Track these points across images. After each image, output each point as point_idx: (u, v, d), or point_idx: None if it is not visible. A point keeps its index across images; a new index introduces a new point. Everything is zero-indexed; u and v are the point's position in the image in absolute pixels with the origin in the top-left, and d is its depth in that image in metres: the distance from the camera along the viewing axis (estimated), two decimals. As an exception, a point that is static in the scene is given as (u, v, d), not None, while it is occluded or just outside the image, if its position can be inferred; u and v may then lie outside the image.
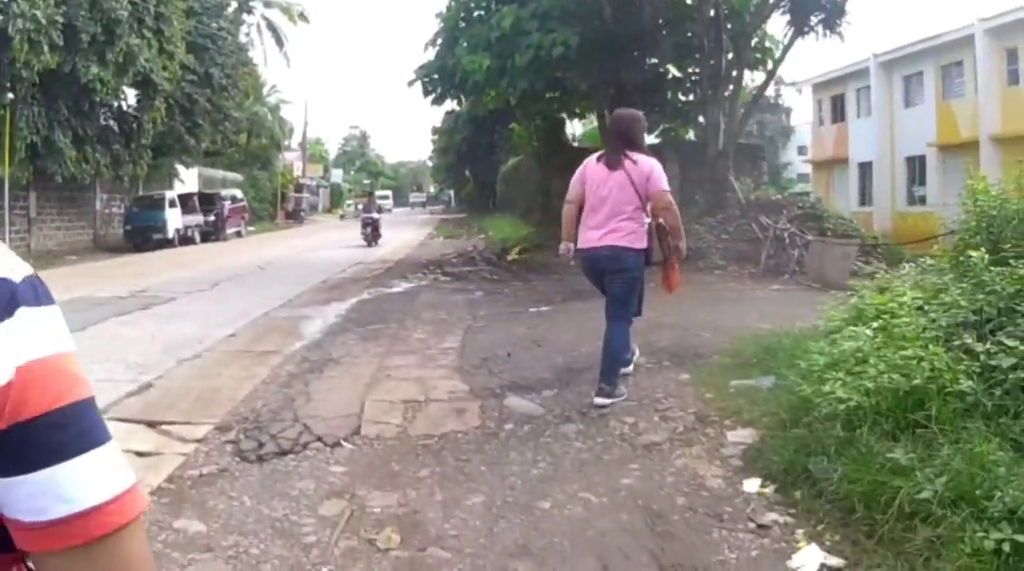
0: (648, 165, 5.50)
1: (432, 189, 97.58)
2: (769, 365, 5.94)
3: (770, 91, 20.53)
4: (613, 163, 5.53)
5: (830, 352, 5.27)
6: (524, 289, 12.87)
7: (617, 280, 5.51)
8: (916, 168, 26.93)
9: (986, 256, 5.40)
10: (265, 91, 48.39)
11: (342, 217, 47.75)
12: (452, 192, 78.02)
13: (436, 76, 18.29)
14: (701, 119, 20.30)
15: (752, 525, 3.69)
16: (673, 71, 20.65)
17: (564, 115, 24.06)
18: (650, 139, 24.30)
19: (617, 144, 5.66)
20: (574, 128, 29.07)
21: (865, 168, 29.79)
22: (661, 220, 5.65)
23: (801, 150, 53.70)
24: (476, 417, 5.20)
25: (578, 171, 5.82)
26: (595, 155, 5.84)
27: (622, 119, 5.97)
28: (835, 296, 11.15)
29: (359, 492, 4.01)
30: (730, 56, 18.37)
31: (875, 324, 5.26)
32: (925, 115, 25.92)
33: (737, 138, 19.40)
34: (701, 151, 19.06)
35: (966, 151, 23.43)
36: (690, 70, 20.33)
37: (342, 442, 4.78)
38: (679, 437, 4.81)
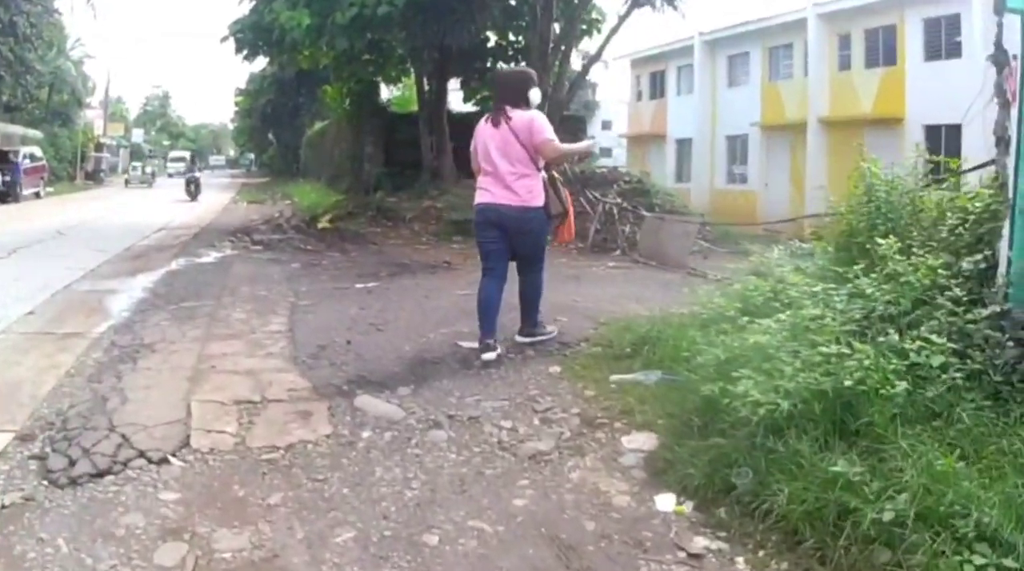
0: (528, 117, 5.93)
1: (232, 152, 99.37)
2: (650, 357, 5.64)
3: (576, 65, 20.83)
4: (496, 121, 6.00)
5: (728, 345, 5.02)
6: (344, 261, 12.48)
7: (526, 241, 6.06)
8: (737, 147, 28.19)
9: (896, 244, 5.32)
10: (69, 44, 47.48)
11: (127, 182, 45.05)
12: (253, 156, 78.96)
13: (251, 32, 18.06)
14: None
15: (682, 554, 3.29)
16: (497, 39, 21.02)
17: (379, 79, 23.90)
18: (468, 107, 24.36)
19: (499, 102, 6.13)
20: (389, 92, 28.98)
21: (683, 145, 30.94)
22: (555, 171, 6.16)
23: (605, 125, 56.13)
24: (326, 422, 4.52)
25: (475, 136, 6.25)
26: (485, 117, 6.28)
27: (506, 76, 6.91)
28: (682, 276, 11.72)
29: (200, 529, 3.28)
30: (559, 26, 18.82)
31: (782, 315, 5.06)
32: (750, 95, 27.11)
33: (563, 110, 19.65)
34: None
35: (791, 132, 24.73)
36: (513, 38, 20.79)
37: (170, 458, 4.01)
38: (567, 444, 4.36)
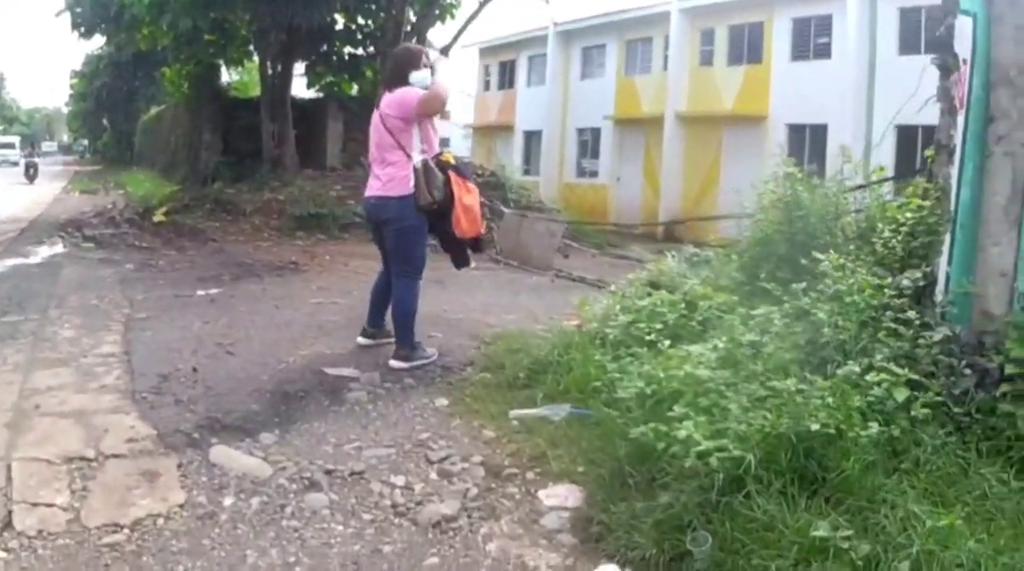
0: (397, 94, 5.74)
1: (66, 138, 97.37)
2: (553, 387, 5.14)
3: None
4: (376, 106, 5.91)
5: (651, 375, 4.58)
6: (182, 261, 11.73)
7: (388, 232, 5.88)
8: (589, 140, 28.32)
9: (838, 259, 5.04)
10: None
11: None
12: (87, 142, 77.30)
13: (88, 7, 17.88)
14: (370, 74, 21.30)
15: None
16: (344, 22, 21.02)
17: (221, 61, 23.09)
18: (311, 93, 23.78)
19: (382, 86, 6.10)
20: (231, 76, 28.29)
21: (532, 137, 30.90)
22: (443, 155, 5.91)
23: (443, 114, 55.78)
24: (177, 486, 3.73)
25: None
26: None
27: (391, 56, 6.56)
28: (550, 279, 11.44)
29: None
30: (415, 10, 19.03)
31: (717, 341, 4.66)
32: (604, 88, 27.24)
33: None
34: (370, 108, 18.62)
35: (646, 127, 24.96)
36: (362, 22, 20.95)
37: (-11, 549, 3.16)
38: (476, 505, 3.77)
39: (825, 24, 20.92)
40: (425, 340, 6.25)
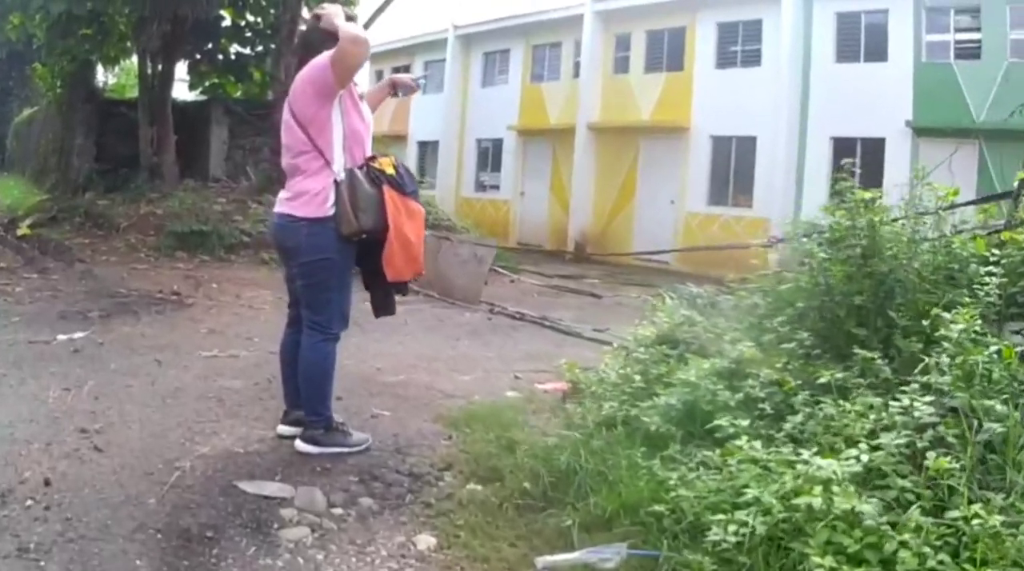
0: (306, 68, 4.30)
1: None
2: (585, 512, 3.55)
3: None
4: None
5: (762, 503, 3.03)
6: (44, 287, 9.83)
7: (294, 267, 4.45)
8: (490, 152, 26.83)
9: (967, 315, 3.57)
10: None
11: None
12: None
13: None
14: (258, 76, 20.25)
15: None
16: (232, 18, 19.81)
17: (97, 58, 20.87)
18: (194, 95, 21.77)
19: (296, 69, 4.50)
20: (107, 78, 26.33)
21: (427, 147, 29.34)
22: (378, 161, 4.43)
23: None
24: None
25: None
26: None
27: (301, 34, 5.33)
28: (482, 316, 9.89)
29: None
30: (309, 8, 16.87)
31: (856, 451, 3.11)
32: (507, 96, 25.75)
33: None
34: (260, 112, 18.51)
35: (553, 138, 23.65)
36: (252, 18, 19.68)
37: None
38: None
39: (754, 30, 19.78)
40: (367, 421, 4.82)
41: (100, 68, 23.49)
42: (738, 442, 3.43)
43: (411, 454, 4.43)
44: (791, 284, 5.66)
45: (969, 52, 16.98)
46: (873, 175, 17.83)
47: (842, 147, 18.08)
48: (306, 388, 4.44)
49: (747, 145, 19.58)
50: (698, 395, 4.20)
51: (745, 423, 3.69)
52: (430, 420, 5.06)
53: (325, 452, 4.35)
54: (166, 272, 11.88)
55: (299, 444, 4.41)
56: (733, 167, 20.00)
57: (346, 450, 4.40)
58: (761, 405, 4.03)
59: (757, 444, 3.50)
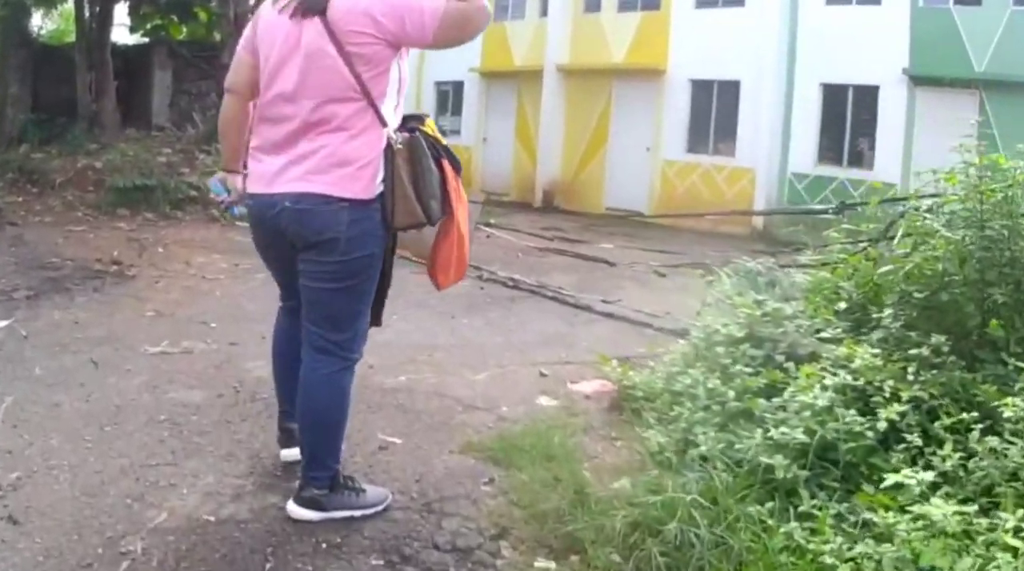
0: (364, 3, 3.04)
1: None
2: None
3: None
4: (304, 7, 3.06)
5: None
6: None
7: (314, 267, 3.18)
8: (450, 96, 25.41)
9: None
10: None
11: None
12: None
13: None
14: (204, 16, 18.91)
15: None
16: None
17: (31, 1, 19.12)
18: (136, 39, 20.37)
19: None
20: (44, 23, 24.55)
21: (384, 92, 27.78)
22: (426, 123, 3.29)
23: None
24: None
25: (249, 24, 3.37)
26: None
27: None
28: (476, 285, 8.79)
29: None
30: None
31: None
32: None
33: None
34: (205, 55, 17.87)
35: (518, 80, 22.44)
36: None
37: None
38: None
39: (739, -33, 18.62)
40: (374, 456, 3.87)
41: (36, 13, 21.60)
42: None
43: (447, 512, 3.37)
44: (890, 265, 4.57)
45: None
46: (866, 124, 16.96)
47: (832, 94, 17.28)
48: (313, 434, 3.29)
49: (730, 90, 18.52)
50: (825, 423, 3.33)
51: (924, 475, 2.70)
52: (457, 450, 4.00)
53: (331, 518, 3.23)
54: (106, 234, 10.68)
55: (295, 509, 3.28)
56: (714, 113, 18.94)
57: (359, 513, 3.30)
58: (907, 436, 3.23)
59: (938, 501, 2.75)
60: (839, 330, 4.22)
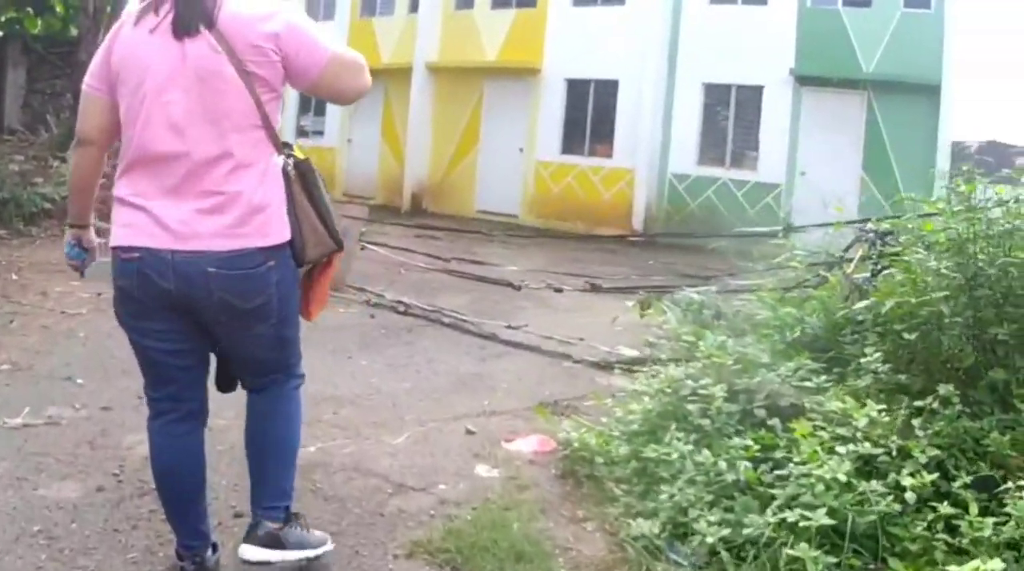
0: (293, 22, 2.69)
1: None
2: None
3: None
4: (187, 20, 2.57)
5: None
6: None
7: (244, 335, 2.80)
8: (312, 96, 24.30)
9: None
10: None
11: None
12: None
13: None
14: (60, 9, 17.43)
15: None
16: None
17: None
18: None
19: None
20: None
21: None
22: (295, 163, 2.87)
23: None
24: None
25: (98, 55, 2.75)
26: (136, 8, 2.68)
27: None
28: (362, 310, 8.08)
29: None
30: None
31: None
32: (335, 33, 23.25)
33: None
34: (60, 50, 16.72)
35: (385, 79, 21.55)
36: None
37: None
38: None
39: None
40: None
41: None
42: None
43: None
44: (866, 301, 4.25)
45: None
46: (750, 125, 16.80)
47: (715, 94, 17.04)
48: (283, 457, 3.01)
49: (607, 89, 18.10)
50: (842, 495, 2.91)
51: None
52: (403, 553, 3.21)
53: (288, 560, 2.89)
54: None
55: (252, 552, 2.86)
56: (591, 113, 18.47)
57: (313, 553, 2.98)
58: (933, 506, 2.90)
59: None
60: (822, 377, 3.81)
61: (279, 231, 2.70)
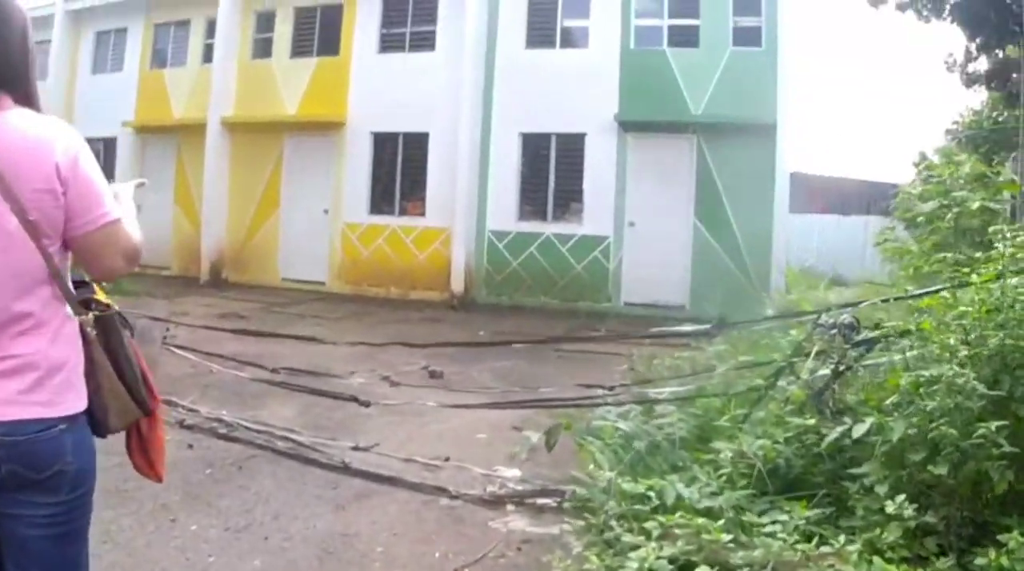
0: (50, 142, 2.18)
1: None
2: None
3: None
4: None
5: None
6: None
7: (32, 511, 2.29)
8: (101, 154, 21.53)
9: None
10: None
11: None
12: None
13: None
14: None
15: None
16: None
17: None
18: None
19: None
20: None
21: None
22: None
23: None
24: None
25: None
26: None
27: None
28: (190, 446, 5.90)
29: None
30: None
31: None
32: (123, 85, 20.81)
33: None
34: None
35: (179, 136, 19.53)
36: None
37: None
38: None
39: (427, 7, 16.74)
40: None
41: None
42: None
43: None
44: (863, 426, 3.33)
45: (685, 39, 15.15)
46: (573, 176, 15.40)
47: (534, 144, 15.77)
48: None
49: (417, 142, 16.59)
50: None
51: None
52: None
53: None
54: None
55: None
56: (400, 169, 16.81)
57: None
58: None
59: None
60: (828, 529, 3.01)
61: (73, 400, 2.26)
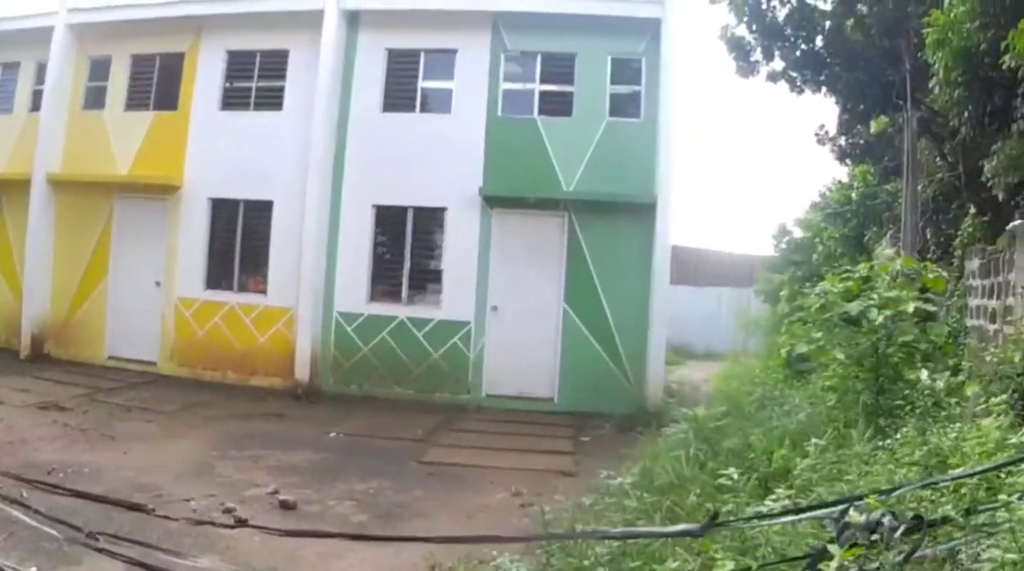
0: None
1: None
2: None
3: None
4: None
5: None
6: None
7: None
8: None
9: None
10: None
11: None
12: None
13: None
14: None
15: None
16: None
17: None
18: None
19: None
20: None
21: None
22: None
23: None
24: None
25: None
26: None
27: None
28: None
29: None
30: None
31: None
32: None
33: None
34: None
35: (3, 191, 16.79)
36: None
37: None
38: None
39: (277, 63, 14.78)
40: None
41: None
42: None
43: None
44: None
45: (558, 107, 13.63)
46: (431, 255, 13.45)
47: (389, 218, 13.92)
48: None
49: (260, 212, 14.56)
50: None
51: None
52: None
53: None
54: None
55: None
56: (240, 240, 14.62)
57: None
58: None
59: None
60: None
61: None
